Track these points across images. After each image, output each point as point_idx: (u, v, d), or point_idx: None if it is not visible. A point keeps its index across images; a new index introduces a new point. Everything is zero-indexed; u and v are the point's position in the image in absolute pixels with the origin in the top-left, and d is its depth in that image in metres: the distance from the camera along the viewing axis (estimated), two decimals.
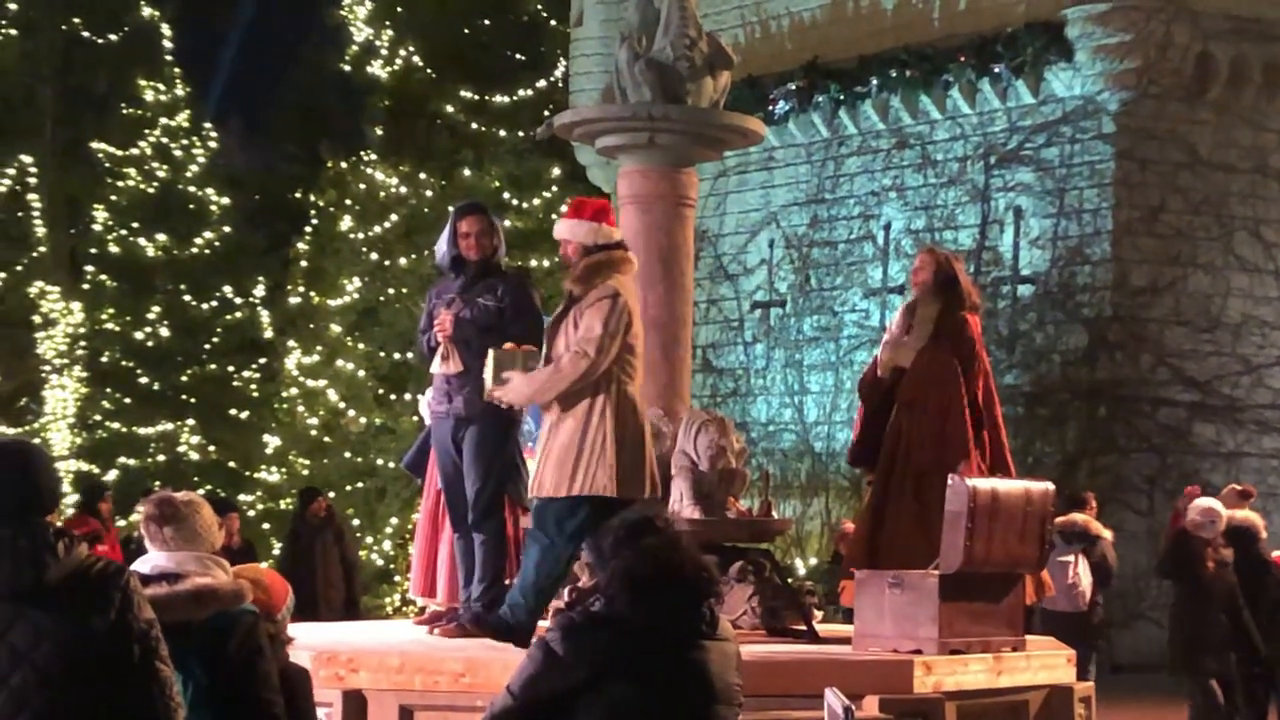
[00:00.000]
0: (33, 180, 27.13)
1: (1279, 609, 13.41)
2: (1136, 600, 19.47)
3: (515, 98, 26.77)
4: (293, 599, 6.03)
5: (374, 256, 25.49)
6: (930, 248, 10.52)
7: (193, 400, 27.56)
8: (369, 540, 23.56)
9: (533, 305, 9.76)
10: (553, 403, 8.62)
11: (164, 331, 27.61)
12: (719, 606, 5.13)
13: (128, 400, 27.22)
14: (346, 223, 25.95)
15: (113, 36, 28.41)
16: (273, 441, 26.47)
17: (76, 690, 4.51)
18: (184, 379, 27.68)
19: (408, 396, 23.19)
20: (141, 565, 5.24)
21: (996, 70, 21.13)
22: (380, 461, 24.85)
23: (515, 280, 9.79)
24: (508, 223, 24.58)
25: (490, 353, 8.84)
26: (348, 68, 27.83)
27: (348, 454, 25.24)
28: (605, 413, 8.51)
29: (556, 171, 26.03)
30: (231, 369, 28.05)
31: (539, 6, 27.70)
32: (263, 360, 28.02)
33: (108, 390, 27.22)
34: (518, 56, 27.22)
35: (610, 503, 8.43)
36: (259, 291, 28.59)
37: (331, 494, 20.71)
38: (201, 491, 19.58)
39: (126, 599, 4.58)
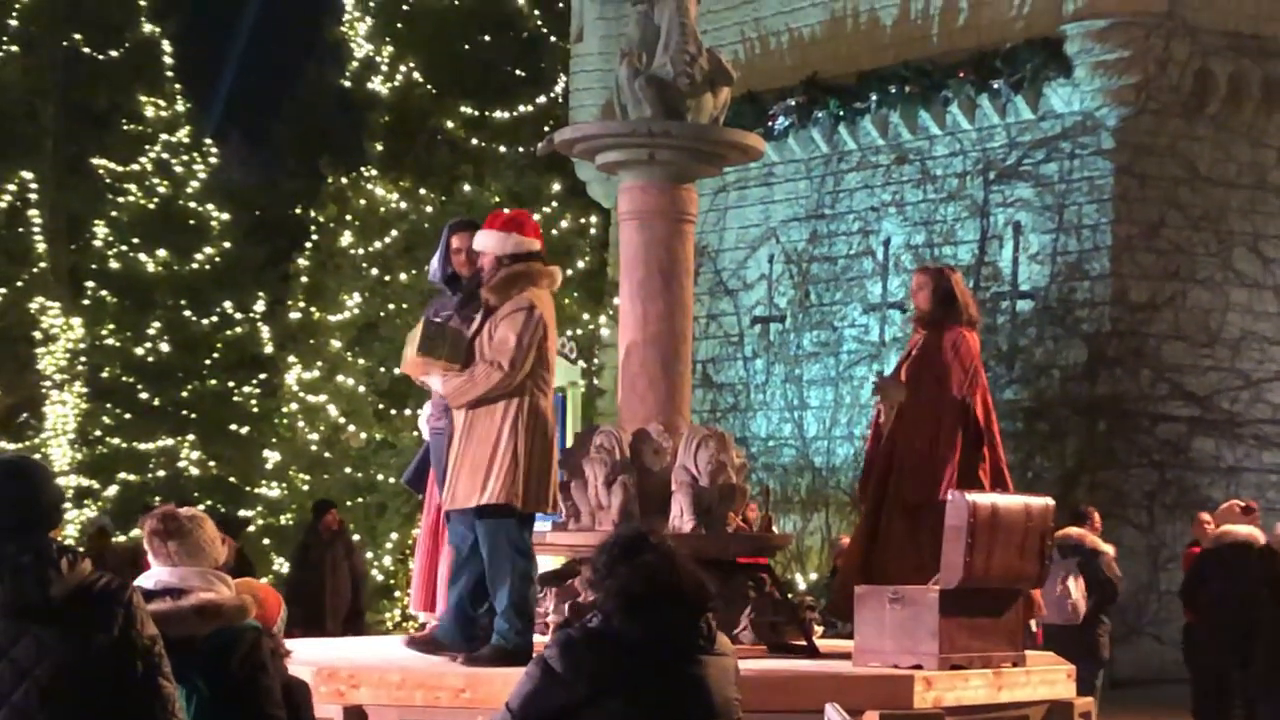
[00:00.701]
0: (34, 196, 27.18)
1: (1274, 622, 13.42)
2: (1136, 615, 19.47)
3: (515, 113, 26.80)
4: (286, 612, 6.07)
5: (374, 272, 25.50)
6: (924, 266, 10.57)
7: (193, 415, 27.59)
8: (369, 555, 23.55)
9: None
10: (464, 411, 8.69)
11: (164, 347, 27.64)
12: (716, 621, 5.15)
13: (128, 415, 27.25)
14: (347, 238, 25.97)
15: (114, 53, 28.47)
16: (273, 457, 26.47)
17: (80, 706, 4.52)
18: (184, 394, 27.71)
19: (408, 412, 23.20)
20: (145, 580, 5.26)
21: (996, 86, 21.16)
22: (380, 477, 24.84)
23: None
24: None
25: (422, 321, 8.96)
26: (348, 84, 27.88)
27: (348, 469, 25.24)
28: (516, 425, 8.61)
29: (557, 187, 26.05)
30: (232, 384, 28.08)
31: (539, 23, 27.74)
32: (263, 375, 28.04)
33: (108, 405, 27.24)
34: (518, 72, 27.26)
35: (516, 512, 8.59)
36: (259, 307, 28.62)
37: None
38: (202, 507, 19.61)
39: (129, 615, 4.59)
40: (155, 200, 28.04)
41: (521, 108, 26.87)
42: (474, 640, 8.84)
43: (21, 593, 4.52)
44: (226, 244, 28.69)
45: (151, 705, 4.61)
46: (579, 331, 24.69)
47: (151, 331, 27.60)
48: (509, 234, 8.84)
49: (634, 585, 5.00)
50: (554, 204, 26.05)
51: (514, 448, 8.59)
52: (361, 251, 25.72)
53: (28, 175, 27.09)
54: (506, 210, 9.40)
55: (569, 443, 11.81)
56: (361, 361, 25.13)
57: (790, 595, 11.66)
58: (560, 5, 27.68)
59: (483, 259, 8.92)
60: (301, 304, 26.58)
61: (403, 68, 26.91)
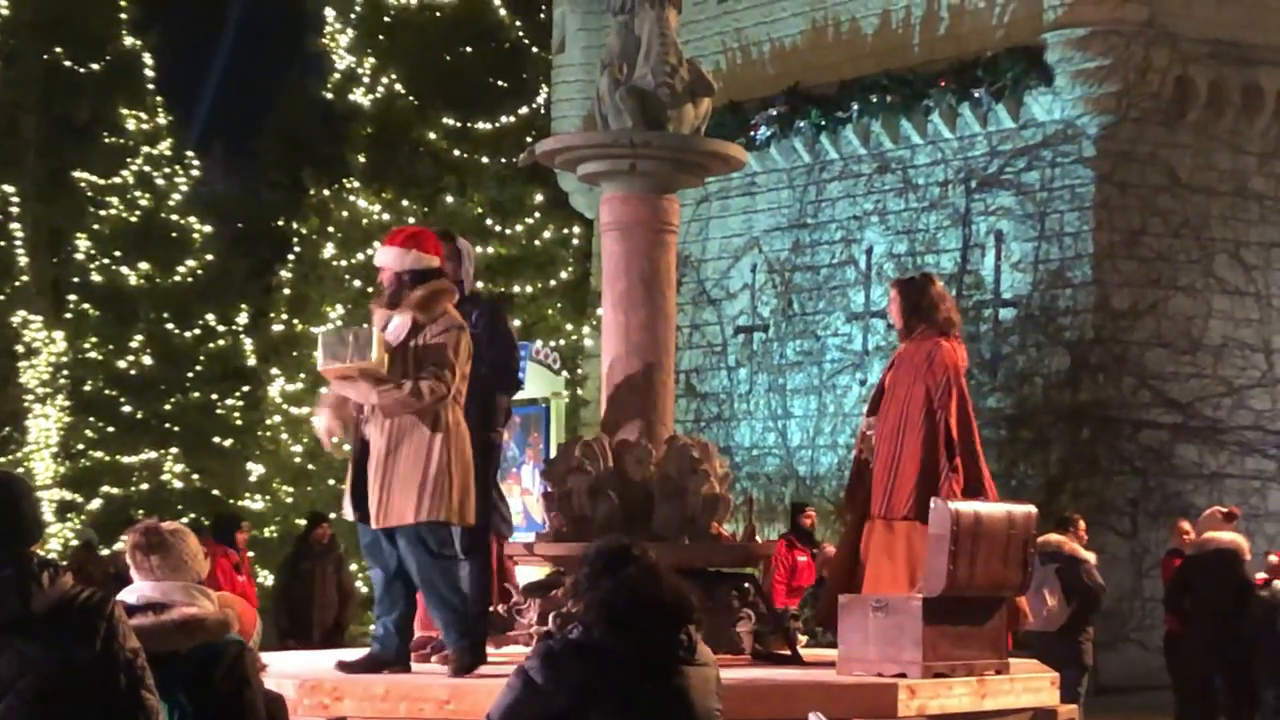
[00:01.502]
0: (15, 209, 27.11)
1: (1262, 631, 13.46)
2: (1121, 622, 19.50)
3: (498, 124, 26.79)
4: (261, 626, 6.08)
5: (357, 284, 25.48)
6: (896, 279, 10.62)
7: (176, 428, 27.53)
8: (353, 568, 23.53)
9: (506, 331, 9.86)
10: (382, 429, 8.72)
11: (147, 360, 27.58)
12: (698, 632, 5.16)
13: (111, 429, 27.19)
14: (329, 250, 25.96)
15: (95, 65, 28.40)
16: (256, 469, 26.44)
17: None
18: (167, 407, 27.65)
19: None
20: (128, 595, 5.25)
21: (977, 95, 21.20)
22: None
23: (488, 307, 9.90)
24: (490, 249, 24.61)
25: (319, 335, 9.03)
26: (330, 95, 27.85)
27: (331, 481, 25.19)
28: (446, 441, 8.69)
29: (539, 198, 26.06)
30: (215, 397, 28.02)
31: (521, 34, 27.74)
32: (246, 388, 28.00)
33: (91, 419, 27.18)
34: (500, 83, 27.25)
35: (447, 526, 8.70)
36: (242, 319, 28.58)
37: None
38: (186, 520, 19.58)
39: (111, 628, 4.59)
40: (137, 213, 27.99)
41: (504, 119, 26.86)
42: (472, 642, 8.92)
43: (2, 607, 4.52)
44: (209, 256, 28.64)
45: (135, 718, 4.61)
46: (562, 342, 24.71)
47: (134, 344, 27.54)
48: (408, 250, 8.94)
49: (617, 597, 5.01)
50: (537, 215, 26.06)
51: (445, 464, 8.68)
52: (344, 263, 25.71)
53: (9, 188, 27.03)
54: (402, 228, 9.54)
55: (552, 453, 11.82)
56: None
57: (774, 605, 11.66)
58: (542, 16, 27.70)
59: (382, 274, 9.01)
60: (284, 316, 26.55)
61: (384, 79, 26.89)
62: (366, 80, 27.01)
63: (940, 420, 9.55)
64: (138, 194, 28.06)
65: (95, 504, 26.74)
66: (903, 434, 9.59)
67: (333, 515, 21.25)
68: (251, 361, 27.95)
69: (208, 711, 5.15)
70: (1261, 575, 14.22)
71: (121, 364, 27.40)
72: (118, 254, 27.71)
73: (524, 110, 27.10)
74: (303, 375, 25.17)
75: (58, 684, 4.50)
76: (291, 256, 27.31)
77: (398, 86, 26.81)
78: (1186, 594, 14.10)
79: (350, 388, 8.89)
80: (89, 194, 27.84)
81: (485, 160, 26.32)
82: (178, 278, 28.03)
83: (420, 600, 9.45)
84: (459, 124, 26.58)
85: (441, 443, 8.68)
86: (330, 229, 26.18)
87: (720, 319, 24.33)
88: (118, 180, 28.00)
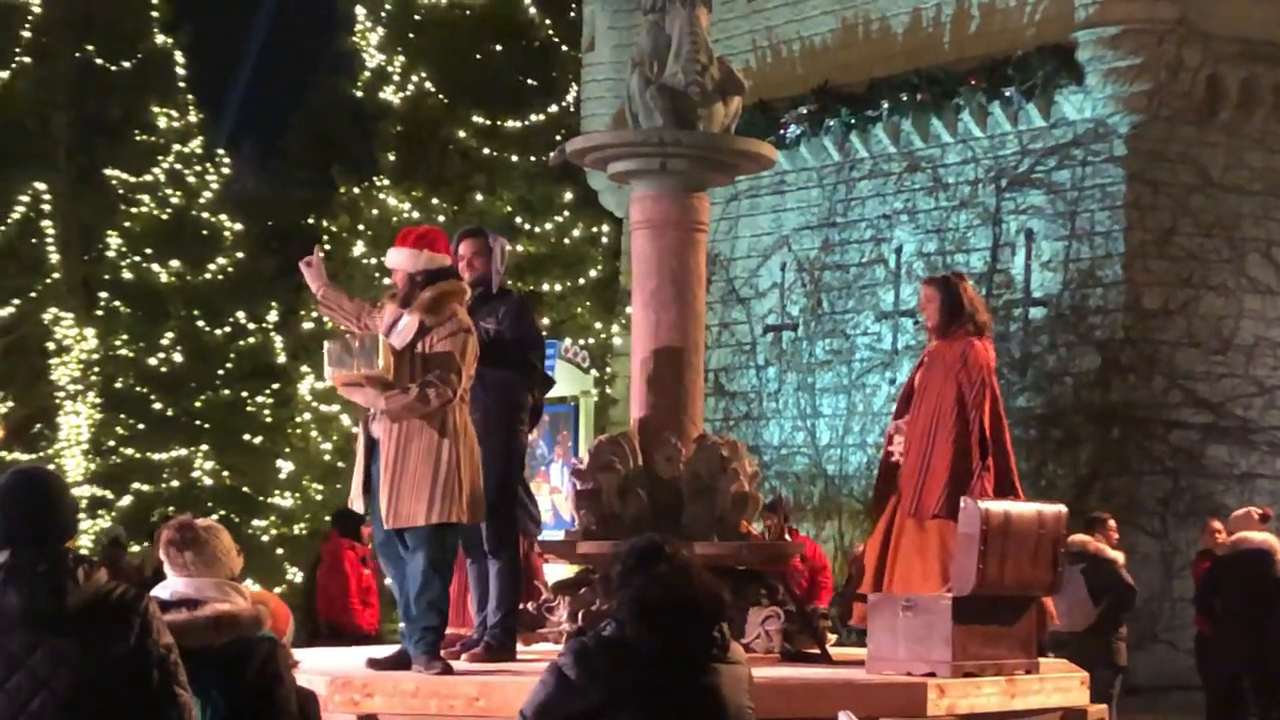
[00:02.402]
0: (46, 207, 27.22)
1: None
2: (1151, 622, 19.44)
3: (527, 123, 26.82)
4: (293, 623, 6.11)
5: (386, 281, 25.50)
6: (931, 277, 10.58)
7: (206, 425, 27.61)
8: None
9: (531, 328, 9.87)
10: (395, 430, 8.74)
11: (177, 357, 27.67)
12: (730, 630, 5.17)
13: (141, 426, 27.28)
14: (359, 248, 26.01)
15: (126, 64, 28.50)
16: (286, 466, 26.51)
17: (97, 716, 4.54)
18: (197, 404, 27.73)
19: None
20: (161, 591, 5.28)
21: (1007, 93, 21.15)
22: None
23: (515, 304, 9.90)
24: (519, 247, 24.63)
25: (325, 343, 9.08)
26: (360, 94, 27.91)
27: None
28: (454, 442, 8.71)
29: (569, 196, 26.08)
30: (245, 394, 28.10)
31: (550, 32, 27.76)
32: (276, 385, 28.07)
33: (121, 416, 27.27)
34: (529, 82, 27.27)
35: (455, 527, 8.75)
36: (272, 317, 28.65)
37: None
38: (216, 517, 19.62)
39: (145, 624, 4.61)
40: (168, 211, 28.08)
41: (533, 117, 26.89)
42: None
43: (38, 602, 4.54)
44: (239, 254, 28.72)
45: (168, 714, 4.63)
46: (591, 341, 24.72)
47: (165, 342, 27.63)
48: (420, 251, 8.96)
49: (649, 595, 5.02)
50: (566, 213, 26.08)
51: (455, 465, 8.71)
52: (374, 261, 25.77)
53: (41, 186, 27.14)
54: (413, 228, 9.56)
55: (581, 452, 11.83)
56: None
57: (804, 603, 11.66)
58: (571, 15, 27.70)
59: (395, 275, 9.05)
60: (314, 314, 26.61)
61: (414, 77, 26.94)
62: (396, 78, 27.06)
63: (974, 420, 9.55)
64: (169, 192, 28.15)
65: (126, 500, 26.83)
66: (935, 433, 9.58)
67: (366, 516, 21.32)
68: (281, 359, 28.02)
69: (240, 707, 5.18)
70: None
71: (152, 361, 27.49)
72: (148, 251, 27.80)
73: (553, 109, 27.12)
74: None
75: (92, 679, 4.53)
76: (321, 255, 27.32)
77: (427, 85, 26.86)
78: (1217, 595, 14.06)
79: (358, 393, 8.93)
80: (120, 192, 27.93)
81: (514, 159, 26.35)
82: (208, 275, 28.12)
83: (453, 595, 9.49)
84: (488, 122, 26.61)
85: (450, 445, 8.71)
86: (360, 227, 26.24)
87: (749, 318, 24.32)
88: (149, 178, 28.09)
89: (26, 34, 27.52)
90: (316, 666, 8.70)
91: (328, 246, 26.98)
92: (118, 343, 27.49)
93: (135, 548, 22.23)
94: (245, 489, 27.43)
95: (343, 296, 9.49)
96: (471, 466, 8.82)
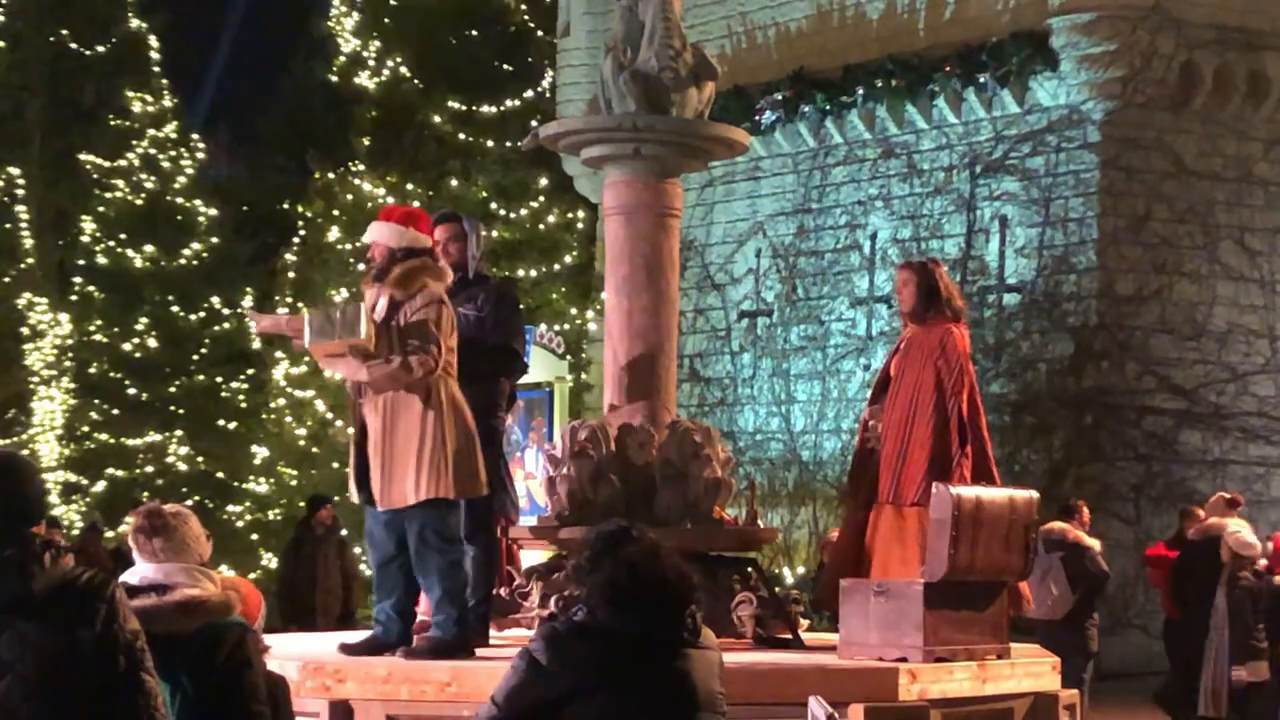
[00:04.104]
0: (21, 192, 27.14)
1: (1237, 615, 13.45)
2: (1123, 608, 19.52)
3: (502, 108, 26.78)
4: (264, 608, 6.10)
5: (361, 267, 25.45)
6: (907, 262, 10.57)
7: (181, 411, 27.56)
8: (356, 551, 23.59)
9: (512, 313, 9.84)
10: (378, 410, 8.71)
11: (152, 342, 27.61)
12: (701, 614, 5.17)
13: (116, 411, 27.22)
14: (334, 233, 25.96)
15: (101, 48, 28.43)
16: (261, 452, 26.46)
17: (63, 701, 4.53)
18: (172, 390, 27.68)
19: None
20: (130, 576, 5.27)
21: (982, 80, 21.18)
22: None
23: (496, 289, 9.88)
24: (495, 233, 24.60)
25: (306, 313, 9.00)
26: (335, 78, 27.85)
27: (335, 464, 25.23)
28: (440, 416, 8.67)
29: (544, 182, 26.05)
30: (219, 380, 28.06)
31: (526, 17, 27.72)
32: (250, 371, 28.02)
33: (96, 401, 27.21)
34: (505, 67, 27.23)
35: (451, 503, 8.67)
36: (247, 302, 28.60)
37: None
38: (190, 502, 19.59)
39: (112, 610, 4.60)
40: (142, 196, 28.01)
41: (509, 102, 26.85)
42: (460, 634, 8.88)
43: (4, 587, 4.53)
44: (214, 239, 28.66)
45: (135, 699, 4.63)
46: (566, 326, 24.72)
47: (139, 327, 27.56)
48: (405, 228, 8.91)
49: (618, 579, 5.03)
50: (541, 199, 26.05)
51: (439, 438, 8.65)
52: (349, 246, 25.72)
53: (14, 171, 27.06)
54: (397, 206, 9.50)
55: (556, 437, 11.81)
56: None
57: (778, 589, 11.68)
58: (547, 0, 27.67)
59: (374, 249, 8.98)
60: (289, 299, 26.57)
61: (390, 62, 26.88)
62: (372, 63, 27.00)
63: (952, 407, 9.56)
64: (143, 177, 28.08)
65: (100, 486, 26.78)
66: (913, 420, 9.58)
67: (336, 498, 21.34)
68: (256, 345, 27.98)
69: (209, 693, 5.17)
70: (1264, 562, 14.22)
71: (126, 347, 27.43)
72: (123, 236, 27.74)
73: (529, 94, 27.08)
74: (306, 359, 25.18)
75: (58, 664, 4.52)
76: (296, 240, 27.31)
77: (403, 70, 26.81)
78: (1188, 579, 14.12)
79: (340, 364, 8.88)
80: (94, 176, 27.86)
81: (490, 144, 26.32)
82: (183, 260, 28.07)
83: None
84: (464, 107, 26.57)
85: (435, 419, 8.67)
86: (335, 212, 26.18)
87: (724, 304, 24.34)
88: (123, 163, 28.02)
89: (0, 18, 27.41)
90: (288, 651, 8.69)
91: (302, 232, 26.95)
92: (92, 328, 27.43)
93: (110, 534, 22.19)
94: (220, 474, 27.39)
95: (294, 319, 9.32)
96: (462, 438, 8.76)
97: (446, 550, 8.78)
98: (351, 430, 9.12)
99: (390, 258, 8.88)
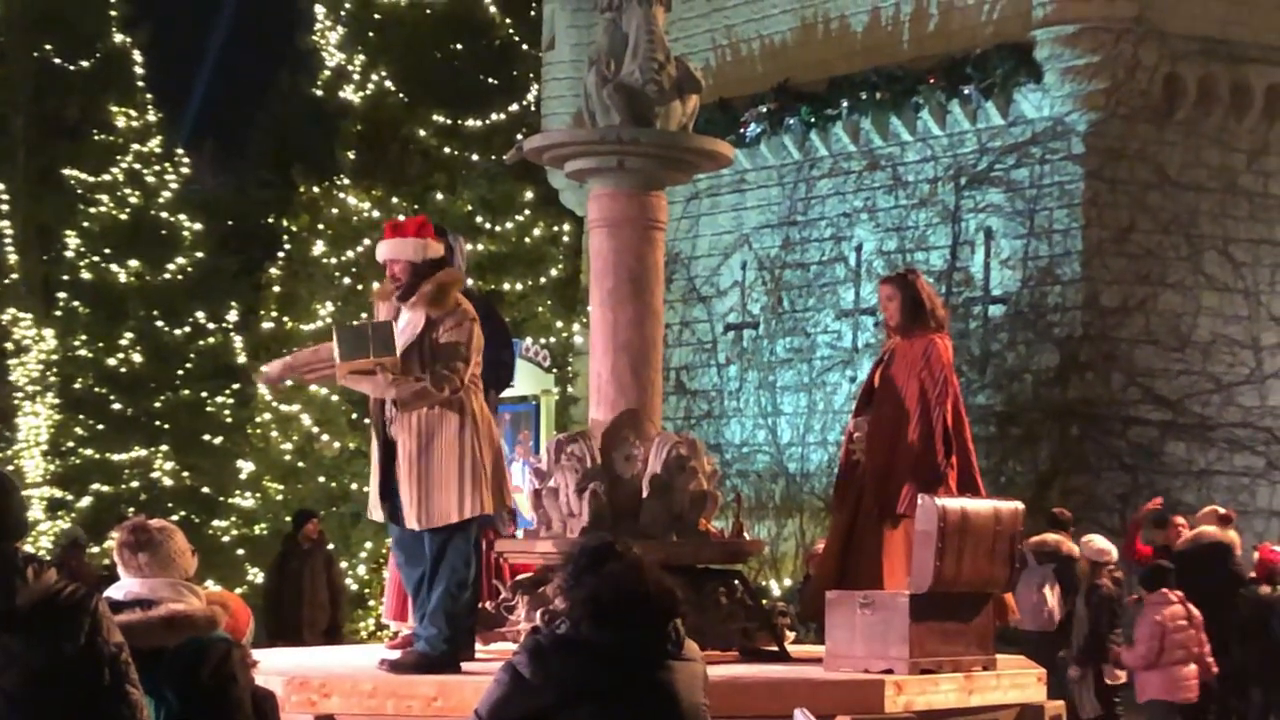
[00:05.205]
0: (4, 207, 27.09)
1: (1251, 633, 13.51)
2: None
3: (487, 122, 26.79)
4: (253, 623, 6.09)
5: (347, 281, 25.49)
6: (889, 276, 10.59)
7: (166, 426, 27.51)
8: (344, 565, 23.57)
9: (500, 326, 9.86)
10: (408, 429, 8.68)
11: (137, 357, 27.56)
12: (684, 627, 5.18)
13: (101, 426, 27.16)
14: (319, 247, 25.95)
15: (85, 63, 28.38)
16: (247, 467, 26.42)
17: (46, 715, 4.52)
18: (157, 405, 27.63)
19: None
20: (115, 591, 5.26)
21: (966, 92, 21.21)
22: (355, 486, 24.82)
23: (481, 303, 9.89)
24: (480, 246, 24.61)
25: (335, 329, 8.97)
26: (320, 93, 27.84)
27: (321, 479, 25.22)
28: (475, 431, 8.67)
29: (529, 195, 26.06)
30: (205, 394, 28.01)
31: (511, 31, 27.73)
32: (236, 385, 27.98)
33: (80, 416, 27.15)
34: (490, 81, 27.24)
35: (486, 519, 8.69)
36: (232, 317, 28.56)
37: None
38: (176, 518, 19.56)
39: (95, 623, 4.60)
40: (127, 211, 27.96)
41: (494, 116, 26.86)
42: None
43: None
44: (199, 254, 28.62)
45: (120, 712, 4.62)
46: (552, 339, 24.72)
47: (124, 342, 27.51)
48: (423, 241, 8.91)
49: (602, 593, 5.04)
50: (526, 212, 26.06)
51: (479, 454, 8.65)
52: (334, 261, 25.71)
53: None
54: (406, 219, 9.46)
55: (541, 450, 11.80)
56: None
57: (764, 601, 11.68)
58: (532, 14, 27.69)
59: (395, 266, 8.94)
60: (274, 313, 26.54)
61: (374, 76, 26.88)
62: (356, 77, 27.00)
63: (937, 418, 9.58)
64: (127, 192, 28.03)
65: (85, 501, 26.72)
66: (899, 431, 9.59)
67: (322, 512, 21.33)
68: (242, 359, 27.93)
69: (194, 708, 5.16)
70: (1253, 573, 14.25)
71: (111, 361, 27.38)
72: (108, 251, 27.69)
73: (514, 108, 27.09)
74: None
75: (42, 679, 4.51)
76: (281, 254, 27.30)
77: (388, 84, 26.81)
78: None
79: (367, 382, 8.84)
80: (79, 191, 27.80)
81: (475, 158, 26.32)
82: (168, 275, 28.02)
83: (402, 592, 9.47)
84: (449, 121, 26.58)
85: (471, 434, 8.66)
86: (320, 226, 26.17)
87: (710, 316, 24.34)
88: (107, 178, 27.97)
89: None
90: (273, 666, 8.68)
91: (287, 246, 26.93)
92: (77, 343, 27.37)
93: (95, 549, 22.14)
94: (205, 489, 27.34)
95: (301, 354, 9.30)
96: (493, 452, 8.78)
97: (460, 569, 8.75)
98: (374, 448, 9.02)
99: (414, 273, 8.84)
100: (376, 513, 9.02)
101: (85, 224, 27.77)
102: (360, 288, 25.19)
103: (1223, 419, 20.91)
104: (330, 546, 18.87)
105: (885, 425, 9.72)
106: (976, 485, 9.82)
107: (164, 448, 27.37)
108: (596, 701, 4.98)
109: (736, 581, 10.21)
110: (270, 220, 29.29)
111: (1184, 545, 14.42)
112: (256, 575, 24.38)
